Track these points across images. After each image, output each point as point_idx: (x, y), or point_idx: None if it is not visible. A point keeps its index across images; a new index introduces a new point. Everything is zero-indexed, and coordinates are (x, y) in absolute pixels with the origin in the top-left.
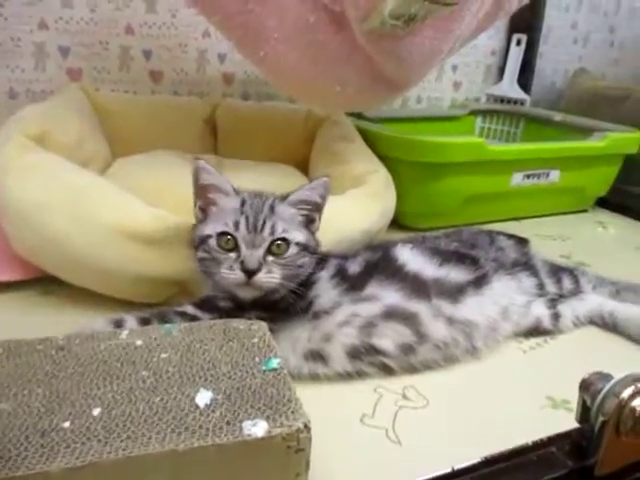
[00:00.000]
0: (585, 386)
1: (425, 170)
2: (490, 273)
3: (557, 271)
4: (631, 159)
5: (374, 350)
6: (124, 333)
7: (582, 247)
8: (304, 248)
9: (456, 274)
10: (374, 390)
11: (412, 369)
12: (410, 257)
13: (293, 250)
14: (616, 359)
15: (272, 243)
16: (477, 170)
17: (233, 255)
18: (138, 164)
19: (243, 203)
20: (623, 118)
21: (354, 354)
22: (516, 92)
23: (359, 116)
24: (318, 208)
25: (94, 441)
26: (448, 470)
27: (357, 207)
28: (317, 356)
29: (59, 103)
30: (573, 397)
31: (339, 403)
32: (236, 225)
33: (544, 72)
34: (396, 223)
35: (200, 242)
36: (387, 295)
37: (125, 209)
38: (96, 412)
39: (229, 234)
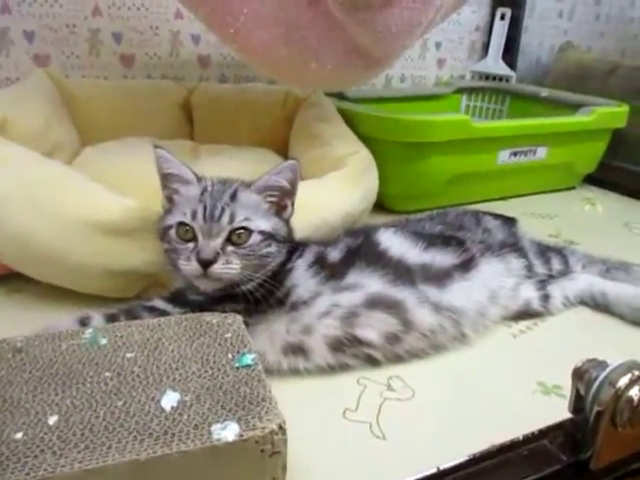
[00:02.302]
0: (579, 374)
1: (408, 150)
2: (477, 256)
3: (545, 251)
4: (618, 134)
5: (357, 341)
6: (87, 332)
7: (571, 225)
8: (270, 236)
9: (442, 258)
10: (357, 381)
11: (398, 359)
12: (393, 241)
13: (255, 239)
14: (608, 341)
15: (231, 232)
16: (462, 149)
17: (191, 245)
18: (108, 152)
19: (204, 191)
20: (610, 92)
21: (336, 346)
22: (501, 68)
23: (340, 96)
24: (287, 193)
25: (48, 453)
26: (433, 470)
27: (337, 190)
28: (297, 350)
29: (23, 89)
30: (564, 382)
31: (320, 397)
32: (193, 215)
33: (529, 47)
34: (379, 206)
35: (163, 233)
36: (370, 282)
37: (91, 199)
38: (52, 421)
39: (186, 224)
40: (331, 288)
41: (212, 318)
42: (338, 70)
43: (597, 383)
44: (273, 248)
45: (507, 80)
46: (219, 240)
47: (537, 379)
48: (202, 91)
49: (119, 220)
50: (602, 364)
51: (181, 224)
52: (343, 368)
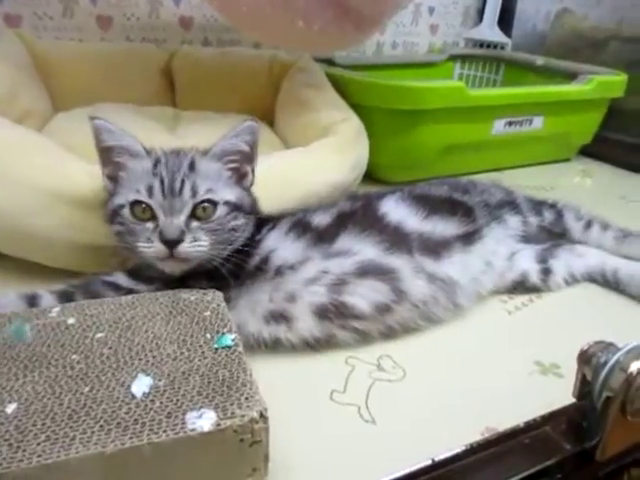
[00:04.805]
0: (585, 358)
1: (401, 118)
2: (484, 227)
3: (538, 204)
4: (612, 105)
5: (346, 309)
6: (54, 310)
7: (566, 198)
8: (236, 208)
9: (444, 227)
10: (345, 361)
11: (388, 331)
12: (393, 207)
13: (222, 211)
14: (609, 320)
15: (195, 206)
16: (457, 117)
17: (150, 225)
18: (81, 118)
19: (157, 163)
20: (606, 61)
21: (322, 314)
22: (496, 35)
23: (330, 62)
24: (248, 158)
25: (4, 446)
26: (428, 462)
27: (325, 159)
28: (279, 317)
29: None
30: (562, 361)
31: (305, 377)
32: (149, 190)
33: (525, 14)
34: (369, 176)
35: (113, 214)
36: (363, 249)
37: (59, 168)
38: (10, 409)
39: (143, 202)
40: (320, 253)
41: (190, 295)
42: (326, 30)
43: (607, 368)
44: (241, 220)
45: (502, 48)
46: (183, 216)
47: (534, 358)
48: (184, 55)
49: (89, 191)
50: (611, 347)
51: (136, 202)
52: (330, 342)
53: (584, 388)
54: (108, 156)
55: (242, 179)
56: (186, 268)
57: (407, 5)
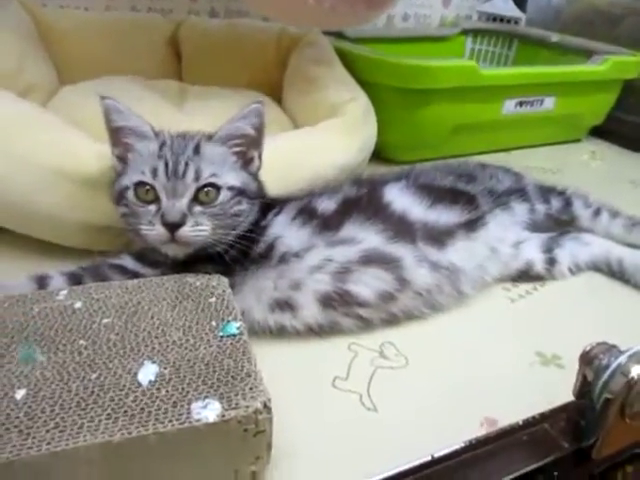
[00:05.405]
0: (587, 359)
1: (410, 97)
2: (487, 213)
3: (546, 191)
4: (628, 85)
5: (350, 297)
6: (62, 293)
7: (574, 181)
8: (239, 193)
9: (447, 216)
10: (348, 347)
11: (391, 318)
12: (398, 195)
13: (225, 196)
14: (612, 310)
15: (198, 190)
16: (467, 97)
17: (153, 208)
18: (87, 92)
19: (162, 146)
20: (621, 38)
21: (327, 302)
22: (511, 9)
23: (339, 35)
24: (254, 142)
25: (14, 432)
26: (427, 458)
27: (332, 140)
28: (284, 305)
29: None
30: (564, 352)
31: (308, 363)
32: (154, 172)
33: None
34: (377, 156)
35: (119, 196)
36: (367, 237)
37: (65, 146)
38: (20, 395)
39: (146, 183)
40: (325, 241)
41: (196, 280)
42: (337, 9)
43: (609, 371)
44: (244, 205)
45: (516, 22)
46: (185, 200)
47: (536, 348)
48: (190, 26)
49: (96, 170)
50: (613, 350)
51: (140, 184)
52: (334, 329)
53: (584, 388)
54: (117, 136)
55: (248, 163)
56: (189, 252)
57: None
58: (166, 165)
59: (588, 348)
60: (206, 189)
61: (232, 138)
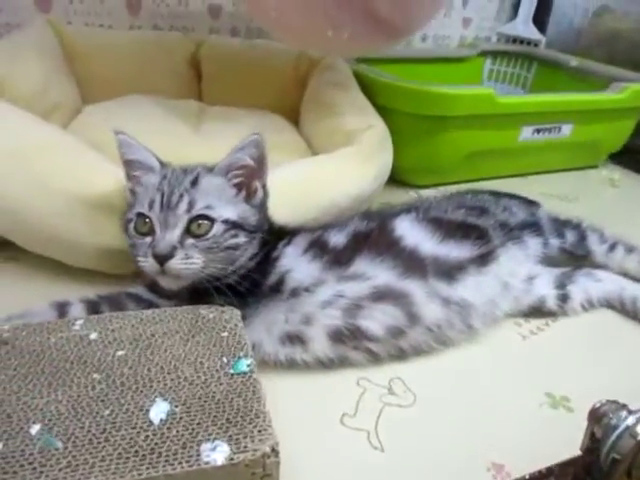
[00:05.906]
0: (596, 417)
1: (427, 123)
2: (498, 248)
3: (561, 225)
4: None
5: (359, 332)
6: (78, 323)
7: (592, 208)
8: (235, 226)
9: (459, 251)
10: (357, 383)
11: (400, 353)
12: (409, 230)
13: (218, 229)
14: (626, 350)
15: (191, 222)
16: (484, 124)
17: (148, 240)
18: (109, 112)
19: (163, 179)
20: None
21: (337, 337)
22: (531, 32)
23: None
24: (254, 173)
25: (28, 470)
26: None
27: (348, 169)
28: (295, 339)
29: (22, 42)
30: (573, 394)
31: (317, 398)
32: (151, 204)
33: (562, 9)
34: (392, 179)
35: (125, 227)
36: (378, 273)
37: (84, 171)
38: (35, 429)
39: (145, 215)
40: (335, 276)
41: (209, 312)
42: (355, 39)
43: (617, 432)
44: (241, 239)
45: (536, 45)
46: (177, 231)
47: (545, 389)
48: (211, 46)
49: (114, 196)
50: (622, 409)
51: (139, 215)
52: (343, 363)
53: (592, 444)
54: (129, 170)
55: (251, 195)
56: (183, 284)
57: (439, 14)
58: (162, 196)
59: (597, 405)
60: (199, 221)
61: (231, 169)
